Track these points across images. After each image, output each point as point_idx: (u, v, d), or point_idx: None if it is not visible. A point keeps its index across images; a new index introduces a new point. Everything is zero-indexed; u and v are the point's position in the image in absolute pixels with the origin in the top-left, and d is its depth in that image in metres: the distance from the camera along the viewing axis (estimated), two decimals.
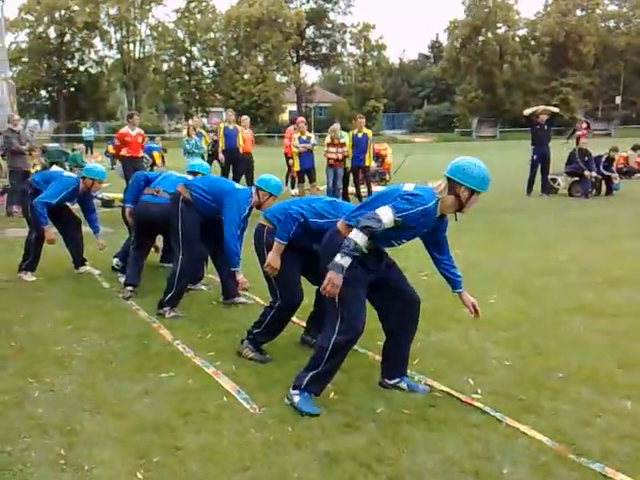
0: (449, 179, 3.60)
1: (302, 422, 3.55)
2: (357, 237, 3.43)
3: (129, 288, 6.21)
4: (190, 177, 6.47)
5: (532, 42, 62.57)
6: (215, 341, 4.92)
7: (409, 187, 3.60)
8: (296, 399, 3.72)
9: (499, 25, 61.33)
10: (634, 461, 3.14)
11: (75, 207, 7.32)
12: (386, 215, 3.43)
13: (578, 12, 59.88)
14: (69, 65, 54.98)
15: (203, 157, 12.61)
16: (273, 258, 4.29)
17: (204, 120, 37.05)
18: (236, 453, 3.21)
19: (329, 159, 12.99)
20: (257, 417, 3.63)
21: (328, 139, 13.07)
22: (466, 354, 4.61)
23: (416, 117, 63.66)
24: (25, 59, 53.07)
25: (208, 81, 57.97)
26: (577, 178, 14.58)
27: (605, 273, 6.98)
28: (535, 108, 15.23)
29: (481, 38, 61.02)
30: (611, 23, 63.92)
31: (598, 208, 12.69)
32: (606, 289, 6.34)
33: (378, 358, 4.32)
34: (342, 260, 3.45)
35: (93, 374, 4.27)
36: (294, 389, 3.77)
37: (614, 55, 60.47)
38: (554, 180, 15.14)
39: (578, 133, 17.02)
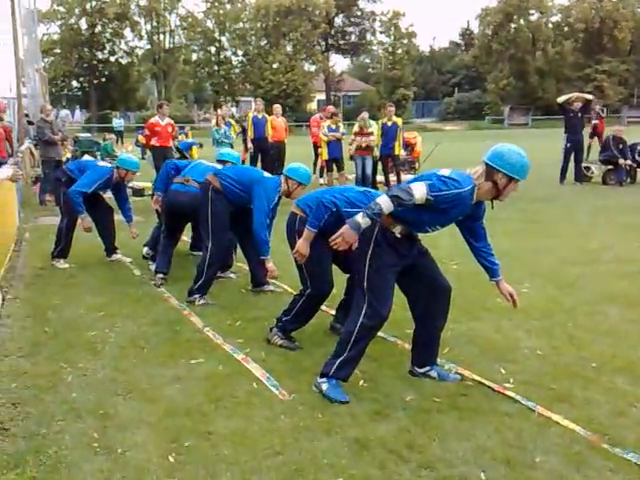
0: (487, 165, 3.54)
1: (332, 409, 3.55)
2: (384, 203, 3.38)
3: (160, 276, 6.27)
4: (219, 166, 6.49)
5: (566, 28, 61.35)
6: (244, 328, 4.95)
7: (445, 171, 3.55)
8: (324, 387, 3.72)
9: (532, 12, 60.34)
10: None
11: (107, 196, 7.41)
12: (419, 191, 3.38)
13: None
14: (100, 56, 55.58)
15: (232, 146, 12.64)
16: (302, 245, 4.28)
17: (233, 109, 37.11)
18: (267, 438, 3.23)
19: (355, 148, 12.91)
20: (287, 403, 3.64)
21: (356, 128, 13.00)
22: (498, 343, 4.57)
23: (446, 105, 62.94)
24: (57, 50, 53.79)
25: (237, 71, 58.07)
26: (611, 166, 14.32)
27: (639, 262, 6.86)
28: (569, 95, 14.96)
29: (513, 25, 60.11)
30: None
31: (633, 197, 12.44)
32: None
33: (408, 346, 4.30)
34: (362, 220, 3.41)
35: (125, 359, 4.32)
36: (322, 377, 3.77)
37: None
38: (588, 168, 14.88)
39: (594, 122, 16.61)
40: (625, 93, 57.68)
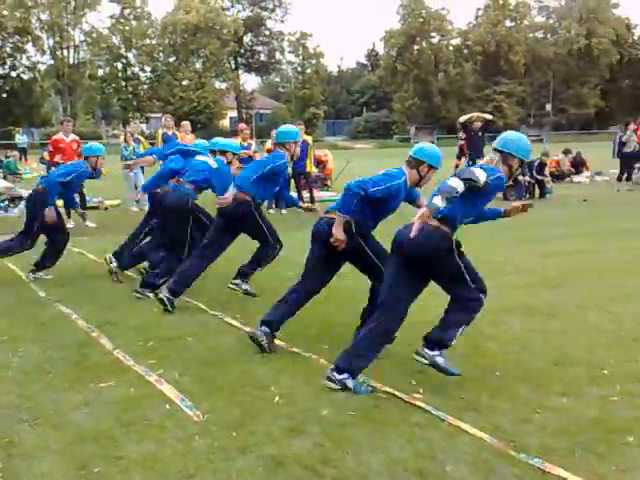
0: (503, 152, 3.97)
1: (247, 428, 3.53)
2: (457, 185, 3.65)
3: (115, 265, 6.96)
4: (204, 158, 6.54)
5: (465, 51, 64.06)
6: (156, 349, 4.84)
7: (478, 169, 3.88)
8: (350, 384, 3.95)
9: (433, 34, 62.55)
10: (571, 455, 3.23)
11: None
12: (481, 175, 3.70)
13: (507, 23, 61.78)
14: (0, 71, 53.25)
15: None
16: (337, 231, 4.39)
17: (143, 126, 36.35)
18: (180, 461, 3.17)
19: None
20: (201, 424, 3.58)
21: (270, 145, 13.01)
22: (407, 355, 4.66)
23: (356, 124, 64.17)
24: None
25: (145, 87, 57.01)
26: (511, 182, 14.91)
27: (539, 274, 7.21)
28: (470, 115, 15.63)
29: (416, 47, 62.05)
30: (539, 34, 66.19)
31: (531, 211, 12.71)
32: (540, 289, 6.54)
33: (322, 362, 4.36)
34: (440, 203, 3.65)
35: (30, 385, 4.14)
36: (340, 373, 3.95)
37: (543, 64, 62.63)
38: None
39: (461, 142, 16.61)
40: (522, 113, 60.75)
